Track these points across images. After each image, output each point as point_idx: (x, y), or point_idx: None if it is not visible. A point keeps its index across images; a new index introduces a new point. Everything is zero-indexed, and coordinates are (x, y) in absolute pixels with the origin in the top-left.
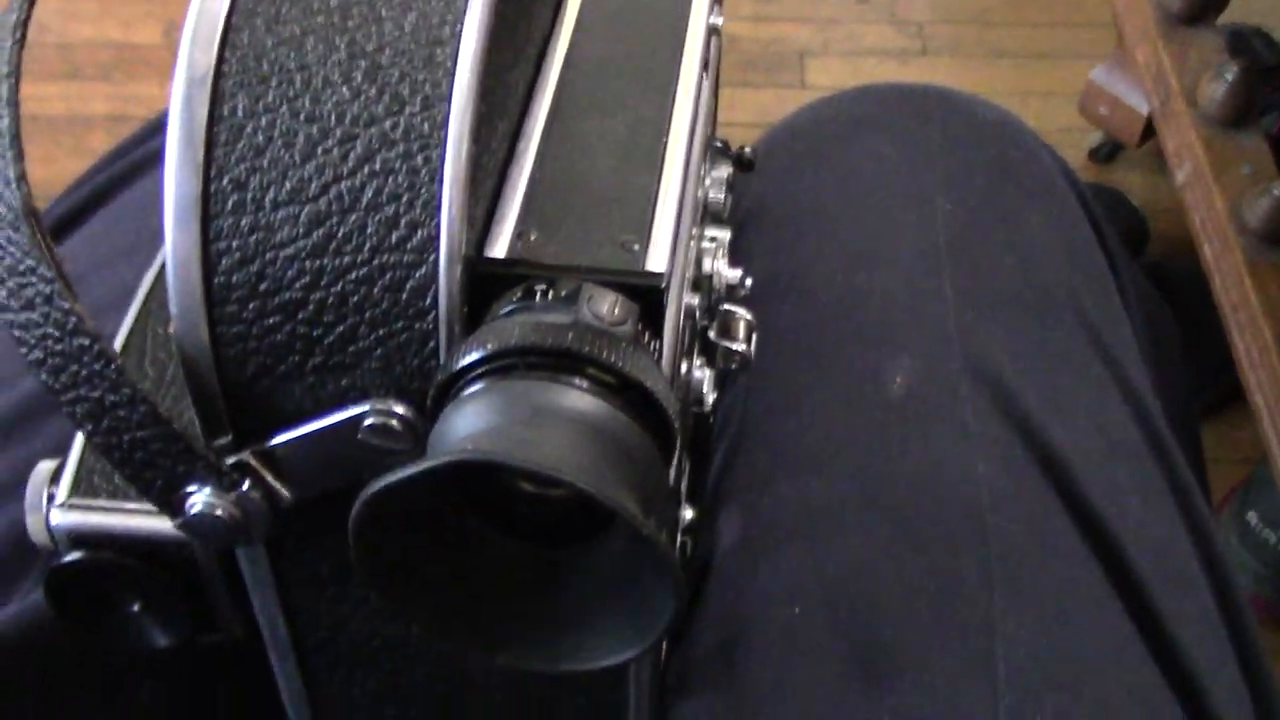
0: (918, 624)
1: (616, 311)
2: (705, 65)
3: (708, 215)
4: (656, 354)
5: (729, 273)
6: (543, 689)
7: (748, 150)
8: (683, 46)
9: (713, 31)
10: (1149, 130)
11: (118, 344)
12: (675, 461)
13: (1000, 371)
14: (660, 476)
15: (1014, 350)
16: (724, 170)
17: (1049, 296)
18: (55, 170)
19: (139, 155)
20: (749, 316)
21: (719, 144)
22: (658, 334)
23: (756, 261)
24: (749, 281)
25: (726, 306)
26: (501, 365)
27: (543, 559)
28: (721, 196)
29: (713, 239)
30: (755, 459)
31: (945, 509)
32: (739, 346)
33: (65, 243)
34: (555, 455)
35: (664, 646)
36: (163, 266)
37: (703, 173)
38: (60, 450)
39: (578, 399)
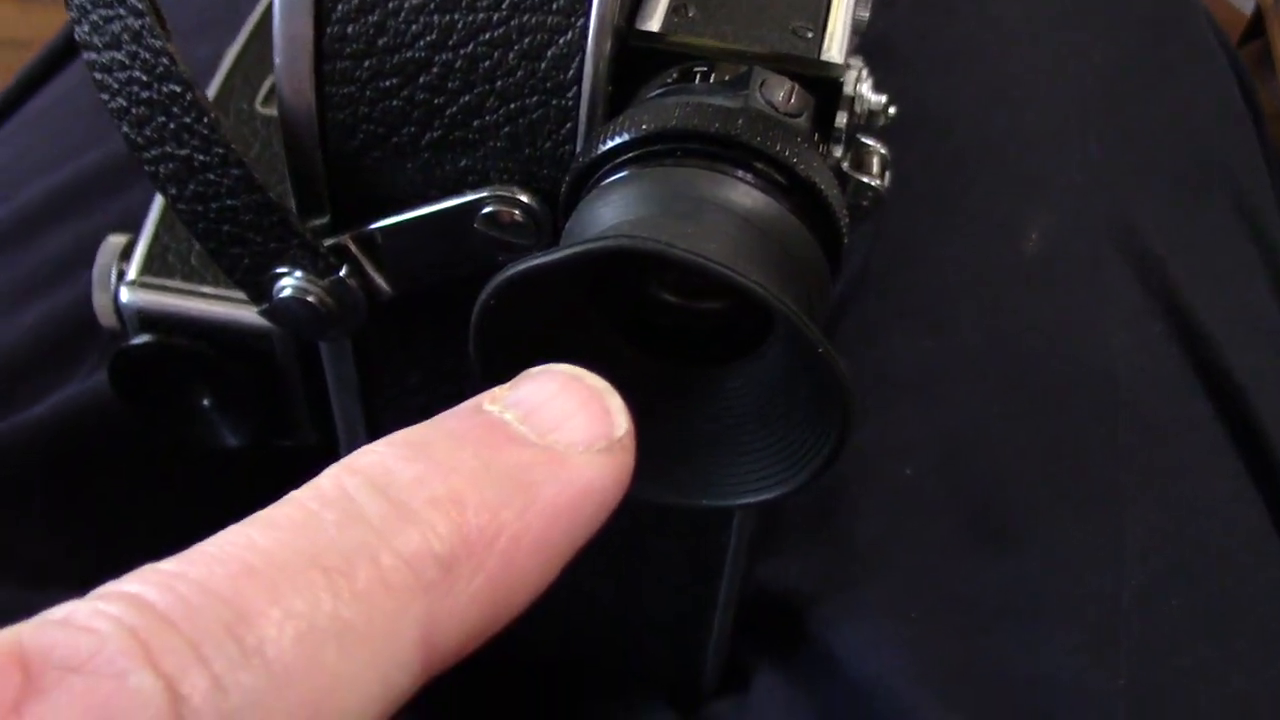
0: (1043, 493)
1: (793, 101)
2: None
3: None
4: (826, 158)
5: (873, 97)
6: (639, 531)
7: None
8: None
9: None
10: (1252, 30)
11: None
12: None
13: (1146, 238)
14: (826, 292)
15: (1163, 218)
16: None
17: (1203, 167)
18: None
19: None
20: (884, 151)
21: None
22: (826, 137)
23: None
24: (893, 110)
25: (861, 138)
26: (656, 150)
27: (678, 379)
28: (866, 16)
29: (849, 64)
30: (872, 308)
31: (1076, 376)
32: (874, 181)
33: None
34: (720, 251)
35: None
36: (249, 37)
37: None
38: (128, 226)
39: (745, 194)
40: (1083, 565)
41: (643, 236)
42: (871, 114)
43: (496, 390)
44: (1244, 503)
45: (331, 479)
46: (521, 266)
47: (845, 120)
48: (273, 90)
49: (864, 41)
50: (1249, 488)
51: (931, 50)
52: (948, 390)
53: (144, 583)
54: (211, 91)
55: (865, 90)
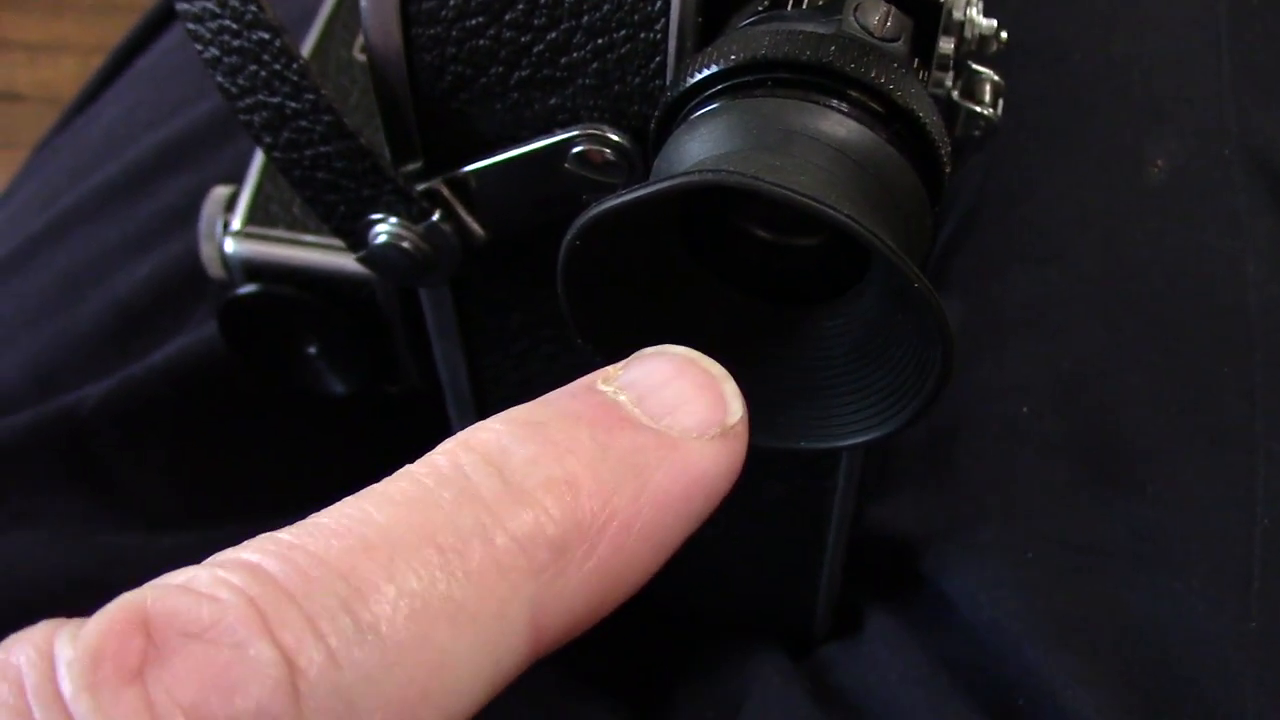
0: (1166, 433)
1: (889, 25)
2: None
3: None
4: (926, 84)
5: (984, 22)
6: (745, 476)
7: None
8: None
9: None
10: None
11: None
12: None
13: None
14: (927, 226)
15: None
16: None
17: None
18: None
19: None
20: (997, 78)
21: None
22: (927, 63)
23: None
24: (1005, 35)
25: (972, 65)
26: (746, 81)
27: (772, 318)
28: None
29: None
30: (986, 243)
31: (1205, 309)
32: (985, 110)
33: None
34: (813, 185)
35: None
36: None
37: None
38: (235, 176)
39: (839, 123)
40: (1209, 506)
41: (730, 170)
42: (983, 39)
43: (610, 369)
44: None
45: (448, 455)
46: (605, 205)
47: (953, 46)
48: None
49: None
50: None
51: None
52: (1066, 326)
53: (263, 553)
54: (311, 39)
55: (975, 14)
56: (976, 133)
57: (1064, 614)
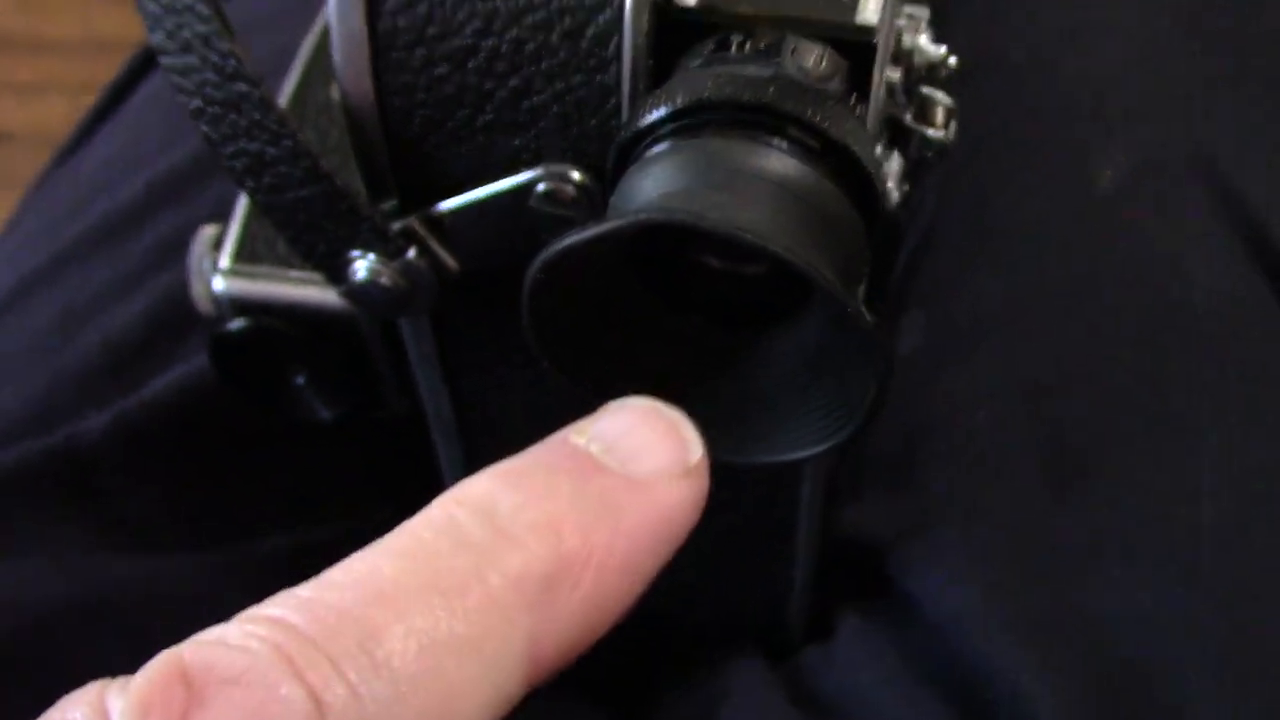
0: (1122, 431)
1: (824, 66)
2: None
3: None
4: (863, 119)
5: (931, 49)
6: (714, 488)
7: None
8: None
9: None
10: None
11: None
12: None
13: (1228, 170)
14: (863, 252)
15: (1246, 146)
16: None
17: None
18: None
19: None
20: (949, 101)
21: None
22: (864, 97)
23: (954, 41)
24: (954, 60)
25: (925, 89)
26: (693, 122)
27: (727, 341)
28: None
29: (910, 15)
30: (946, 257)
31: (1156, 313)
32: (937, 133)
33: None
34: (753, 220)
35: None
36: (324, 29)
37: None
38: (222, 214)
39: (778, 161)
40: (1158, 501)
41: (676, 209)
42: (931, 66)
43: (581, 423)
44: None
45: (442, 508)
46: (563, 243)
47: (900, 74)
48: None
49: None
50: None
51: None
52: (1022, 334)
53: (285, 607)
54: (291, 81)
55: (924, 42)
56: (929, 154)
57: (1024, 608)
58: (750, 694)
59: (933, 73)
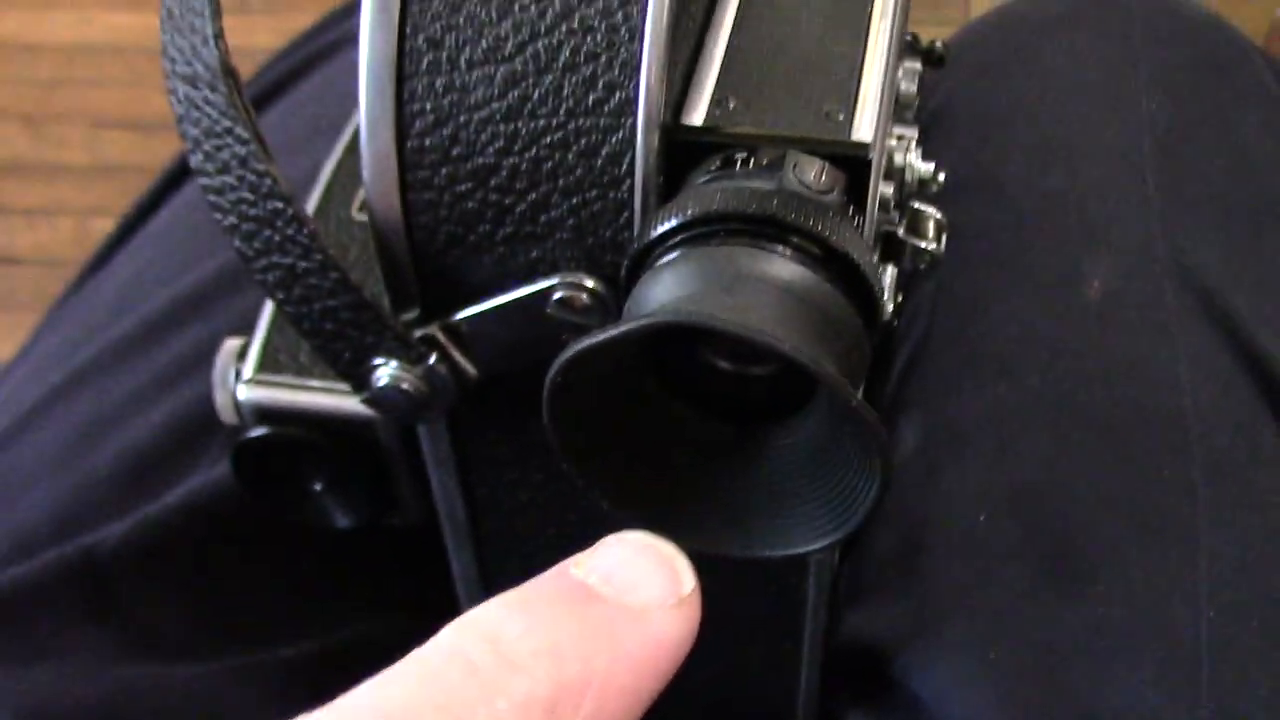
0: (1115, 532)
1: (823, 179)
2: None
3: (896, 108)
4: (860, 228)
5: (922, 166)
6: (718, 588)
7: (939, 44)
8: None
9: None
10: None
11: None
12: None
13: (1207, 274)
14: (864, 352)
15: (1223, 253)
16: (914, 64)
17: (1263, 204)
18: None
19: (324, 42)
20: (939, 215)
21: (909, 36)
22: (861, 208)
23: (945, 161)
24: (942, 176)
25: (916, 204)
26: (702, 232)
27: (735, 439)
28: (913, 89)
29: (900, 136)
30: (940, 364)
31: (1145, 414)
32: (929, 245)
33: None
34: (761, 320)
35: (837, 551)
36: (344, 152)
37: (900, 54)
38: (243, 327)
39: (782, 267)
40: (1157, 600)
41: (688, 310)
42: (922, 182)
43: (580, 556)
44: None
45: (451, 637)
46: (583, 345)
47: (893, 190)
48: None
49: (925, 112)
50: None
51: (987, 113)
52: (1018, 437)
53: None
54: (314, 200)
55: (914, 159)
56: (922, 266)
57: (1028, 708)
58: None
59: (924, 188)
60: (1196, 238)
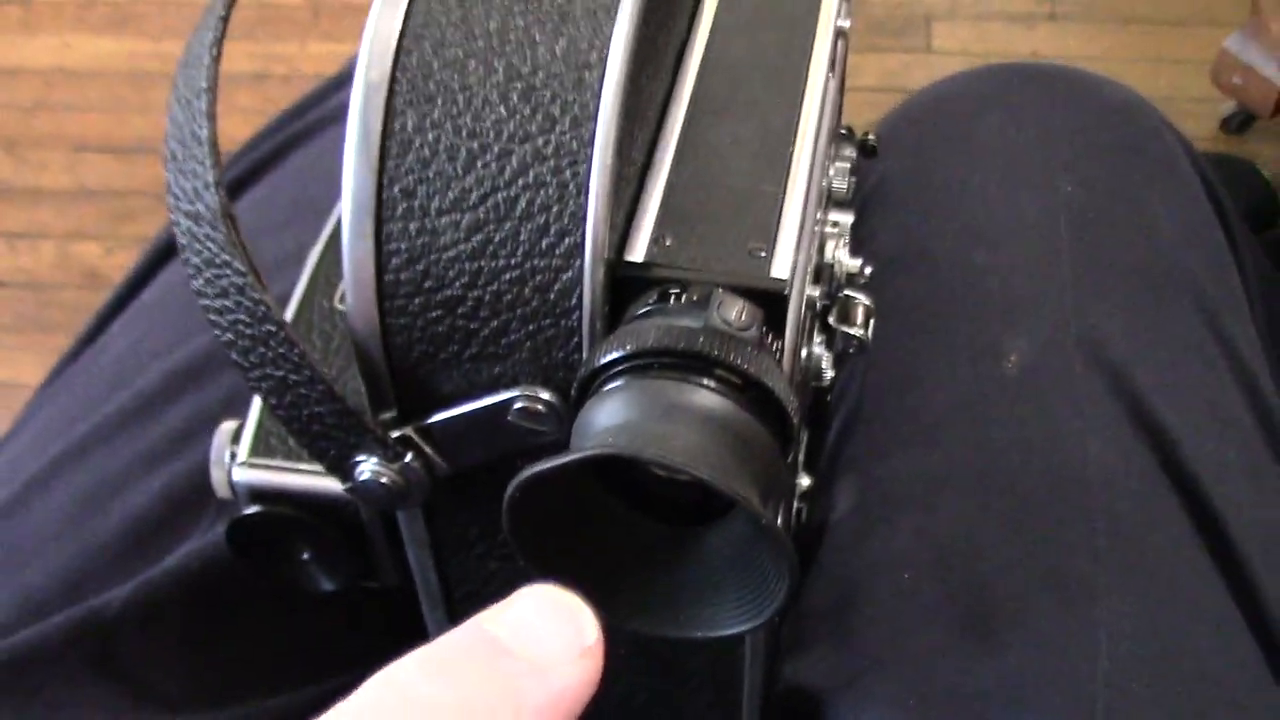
0: (1024, 591)
1: (743, 317)
2: (832, 65)
3: (831, 202)
4: (778, 352)
5: (849, 262)
6: (666, 648)
7: (871, 137)
8: (812, 48)
9: (839, 34)
10: None
11: (289, 314)
12: (790, 452)
13: (1114, 351)
14: (779, 468)
15: (1129, 330)
16: (848, 156)
17: (1167, 277)
18: None
19: (301, 124)
20: (867, 302)
21: (844, 130)
22: (780, 333)
23: (880, 238)
24: (868, 270)
25: (847, 292)
26: (639, 364)
27: (673, 537)
28: (845, 185)
29: (835, 224)
30: (872, 430)
31: (1055, 484)
32: (856, 331)
33: (237, 203)
34: (685, 449)
35: None
36: (326, 245)
37: (828, 163)
38: (234, 400)
39: (706, 398)
40: (1060, 655)
41: (622, 445)
42: (849, 275)
43: (494, 609)
44: (1208, 588)
45: (370, 691)
46: (535, 470)
47: (821, 288)
48: None
49: (863, 192)
50: (1212, 571)
51: (922, 191)
52: (941, 502)
53: None
54: (299, 288)
55: (842, 256)
56: (851, 349)
57: None
58: None
59: (851, 280)
60: (1105, 315)
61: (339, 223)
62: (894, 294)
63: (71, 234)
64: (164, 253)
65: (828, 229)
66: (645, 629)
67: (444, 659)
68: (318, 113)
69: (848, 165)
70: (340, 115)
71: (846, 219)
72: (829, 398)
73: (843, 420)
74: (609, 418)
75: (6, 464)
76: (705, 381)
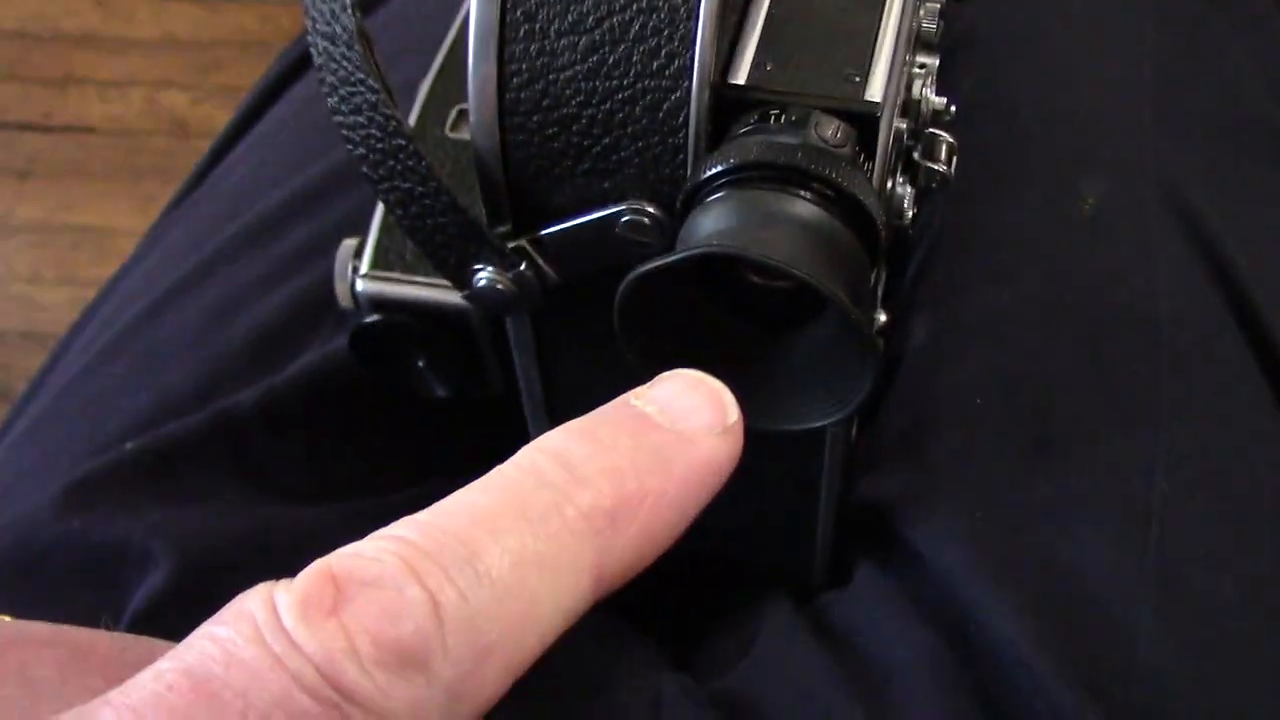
0: (1088, 418)
1: (839, 135)
2: None
3: (919, 43)
4: (869, 173)
5: (936, 99)
6: (751, 455)
7: None
8: None
9: None
10: None
11: None
12: (875, 268)
13: (1191, 196)
14: (865, 276)
15: (1207, 177)
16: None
17: (1247, 128)
18: None
19: None
20: (951, 140)
21: None
22: (871, 155)
23: (965, 84)
24: (954, 108)
25: (932, 130)
26: (740, 177)
27: (764, 339)
28: (934, 26)
29: (923, 65)
30: (949, 269)
31: (1124, 318)
32: (940, 167)
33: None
34: (784, 251)
35: (854, 426)
36: (436, 77)
37: (919, 3)
38: (348, 223)
39: (803, 208)
40: (1118, 473)
41: (728, 244)
42: (935, 113)
43: (639, 389)
44: (1269, 420)
45: (527, 455)
46: (643, 269)
47: (908, 124)
48: (459, 117)
49: (951, 36)
50: (1273, 405)
51: (1008, 39)
52: (1012, 335)
53: (406, 528)
54: (412, 119)
55: (928, 93)
56: (934, 184)
57: (1000, 560)
58: (778, 627)
59: (937, 118)
60: (1184, 162)
61: (447, 56)
62: (975, 137)
63: (159, 83)
64: (287, 73)
65: (914, 70)
66: (745, 422)
67: (595, 429)
68: None
69: (938, 6)
70: None
71: (933, 61)
72: (911, 233)
73: (920, 259)
74: (713, 224)
75: (138, 281)
76: (802, 193)
